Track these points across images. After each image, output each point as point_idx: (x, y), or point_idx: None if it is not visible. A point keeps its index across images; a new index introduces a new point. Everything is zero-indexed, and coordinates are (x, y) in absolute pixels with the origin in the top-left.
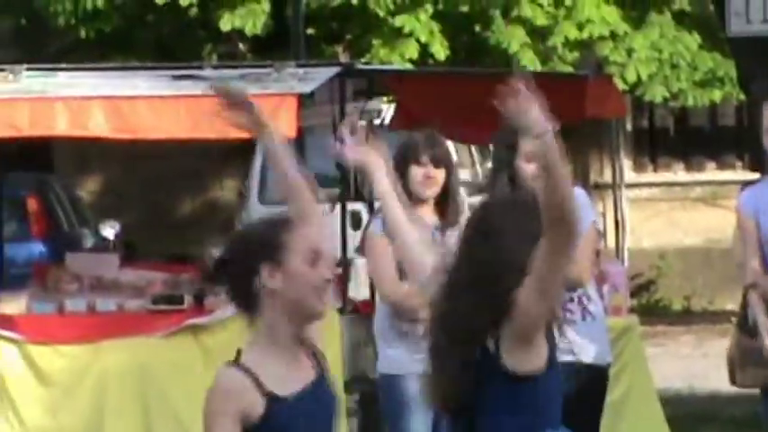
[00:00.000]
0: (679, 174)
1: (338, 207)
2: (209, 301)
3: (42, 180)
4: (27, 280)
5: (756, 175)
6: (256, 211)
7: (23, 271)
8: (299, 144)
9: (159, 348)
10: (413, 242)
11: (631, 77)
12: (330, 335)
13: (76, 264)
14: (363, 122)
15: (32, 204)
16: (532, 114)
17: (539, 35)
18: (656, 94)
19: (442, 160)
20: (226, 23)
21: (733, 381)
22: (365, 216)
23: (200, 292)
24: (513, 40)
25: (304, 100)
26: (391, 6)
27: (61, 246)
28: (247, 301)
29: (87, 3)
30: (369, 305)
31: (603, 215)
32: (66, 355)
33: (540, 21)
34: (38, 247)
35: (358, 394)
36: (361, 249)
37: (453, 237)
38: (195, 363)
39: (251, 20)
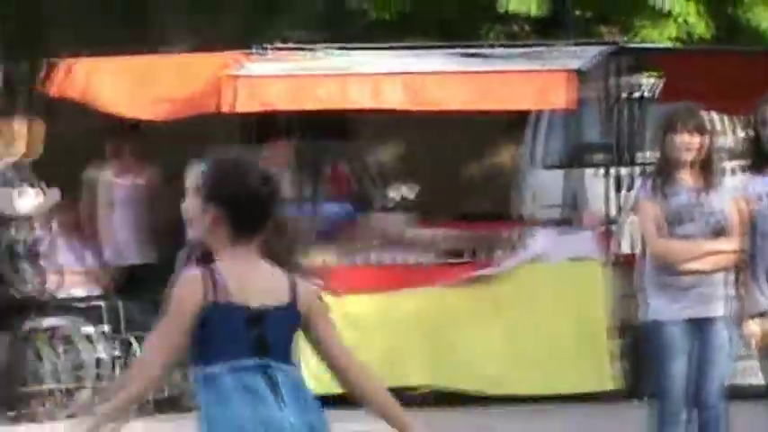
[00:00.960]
0: None
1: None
2: (496, 255)
3: (347, 147)
4: (335, 236)
5: None
6: (539, 174)
7: (332, 228)
8: (576, 115)
9: (449, 297)
10: None
11: None
12: (594, 285)
13: (377, 222)
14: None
15: (340, 169)
16: None
17: None
18: None
19: (699, 129)
20: (507, 6)
21: None
22: (628, 180)
23: (488, 246)
24: (764, 19)
25: (579, 75)
26: None
27: (364, 206)
28: None
29: None
30: (632, 258)
31: None
32: (368, 303)
33: None
34: (345, 208)
35: (628, 338)
36: (633, 209)
37: (713, 197)
38: (483, 309)
39: (530, 3)
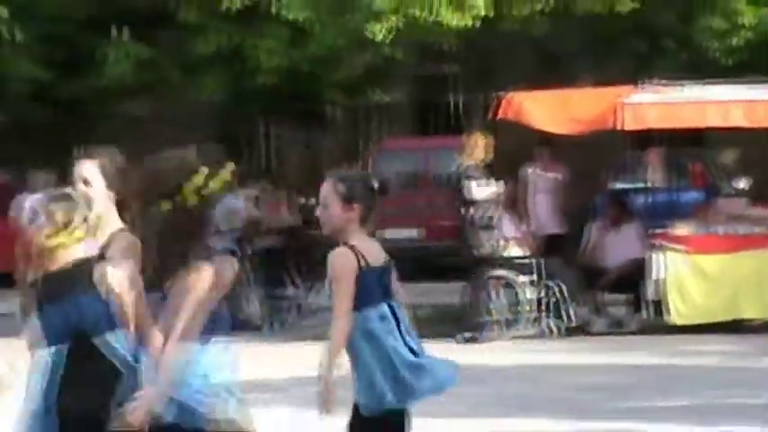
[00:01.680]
0: None
1: None
2: None
3: (703, 153)
4: (694, 214)
5: None
6: None
7: (692, 209)
8: None
9: None
10: None
11: None
12: None
13: (723, 204)
14: None
15: (696, 168)
16: None
17: None
18: None
19: None
20: None
21: None
22: None
23: None
24: None
25: None
26: None
27: (714, 193)
28: None
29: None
30: None
31: None
32: (716, 261)
33: None
34: (701, 194)
35: None
36: None
37: None
38: None
39: None
